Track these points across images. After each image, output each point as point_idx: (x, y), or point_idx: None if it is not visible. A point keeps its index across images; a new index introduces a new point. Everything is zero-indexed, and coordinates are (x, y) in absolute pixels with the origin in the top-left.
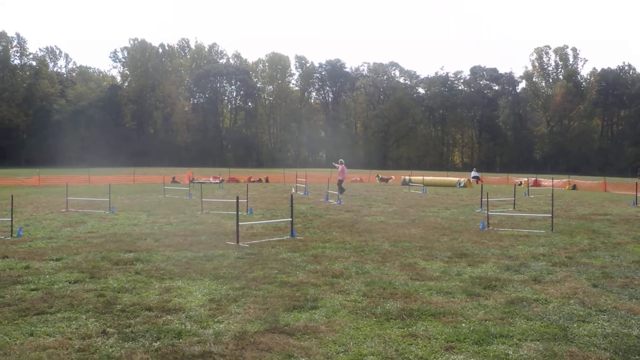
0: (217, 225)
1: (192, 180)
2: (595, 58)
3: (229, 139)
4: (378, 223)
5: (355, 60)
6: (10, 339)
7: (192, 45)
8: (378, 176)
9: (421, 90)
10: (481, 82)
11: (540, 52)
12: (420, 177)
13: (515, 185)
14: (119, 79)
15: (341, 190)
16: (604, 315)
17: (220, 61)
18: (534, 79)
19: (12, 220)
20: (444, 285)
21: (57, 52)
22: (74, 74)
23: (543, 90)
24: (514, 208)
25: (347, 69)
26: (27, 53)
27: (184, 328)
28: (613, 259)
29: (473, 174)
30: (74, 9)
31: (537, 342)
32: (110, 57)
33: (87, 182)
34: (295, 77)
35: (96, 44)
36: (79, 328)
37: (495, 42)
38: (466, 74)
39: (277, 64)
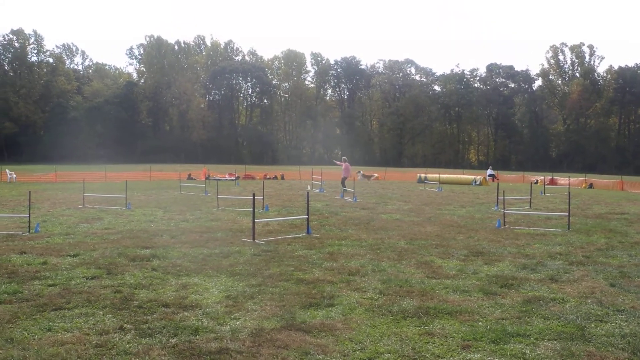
0: (233, 222)
1: (207, 177)
2: (612, 56)
3: (244, 136)
4: (394, 221)
5: (370, 57)
6: (28, 334)
7: (208, 43)
8: (359, 172)
9: (437, 88)
10: (497, 80)
11: (556, 50)
12: (436, 175)
13: (531, 183)
14: (135, 75)
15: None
16: (622, 315)
17: (236, 58)
18: (550, 77)
19: (29, 217)
20: (460, 284)
21: (74, 49)
22: (91, 71)
23: (559, 88)
24: (530, 206)
25: (363, 66)
26: (44, 50)
27: (201, 324)
28: (631, 259)
29: (489, 172)
30: (90, 6)
31: (555, 342)
32: (126, 54)
33: (104, 178)
34: (311, 74)
35: (112, 41)
36: (97, 324)
37: (511, 41)
38: (482, 71)
39: (293, 61)
